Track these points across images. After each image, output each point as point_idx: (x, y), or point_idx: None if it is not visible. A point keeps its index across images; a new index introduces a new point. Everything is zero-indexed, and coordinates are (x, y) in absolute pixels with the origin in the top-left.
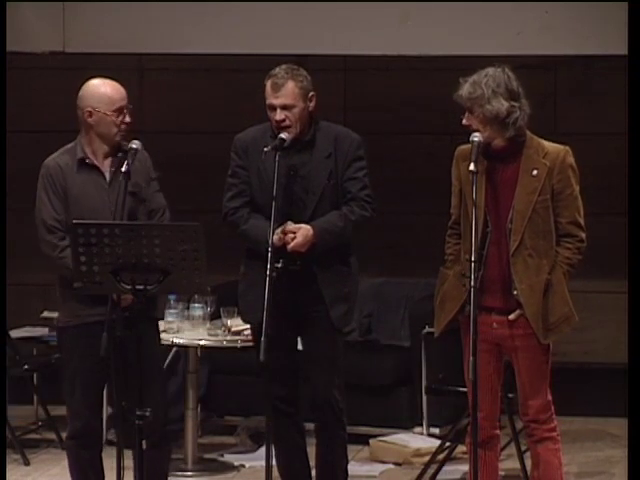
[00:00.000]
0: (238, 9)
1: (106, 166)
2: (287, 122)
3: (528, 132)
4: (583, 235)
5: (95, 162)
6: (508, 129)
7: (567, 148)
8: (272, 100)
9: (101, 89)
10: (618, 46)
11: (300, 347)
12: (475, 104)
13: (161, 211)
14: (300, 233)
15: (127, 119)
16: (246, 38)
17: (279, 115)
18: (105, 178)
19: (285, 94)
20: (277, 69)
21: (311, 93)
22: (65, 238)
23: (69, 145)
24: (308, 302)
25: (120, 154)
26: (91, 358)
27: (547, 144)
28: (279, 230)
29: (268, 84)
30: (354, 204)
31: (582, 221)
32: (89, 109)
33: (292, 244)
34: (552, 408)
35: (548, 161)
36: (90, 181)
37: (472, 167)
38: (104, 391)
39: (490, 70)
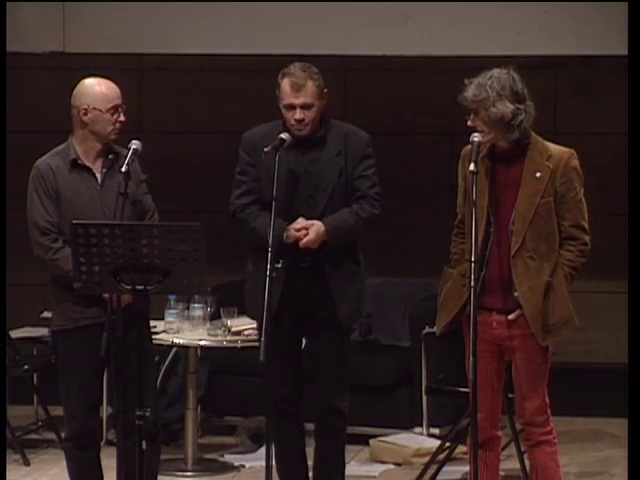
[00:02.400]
0: (238, 9)
1: (97, 167)
2: (306, 121)
3: (533, 134)
4: (587, 238)
5: (87, 163)
6: (513, 131)
7: (572, 151)
8: (292, 100)
9: (97, 87)
10: (618, 46)
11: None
12: (480, 107)
13: (150, 213)
14: (313, 230)
15: (122, 118)
16: (246, 38)
17: (299, 114)
18: (97, 179)
19: (306, 94)
20: (292, 68)
21: (324, 90)
22: (58, 240)
23: (59, 147)
24: (316, 300)
25: (111, 155)
26: (88, 361)
27: (552, 146)
28: (290, 227)
29: (286, 83)
30: (364, 202)
31: (586, 225)
32: (85, 107)
33: (304, 240)
34: (548, 411)
35: (552, 164)
36: (82, 182)
37: (472, 167)
38: (103, 392)
39: (495, 72)
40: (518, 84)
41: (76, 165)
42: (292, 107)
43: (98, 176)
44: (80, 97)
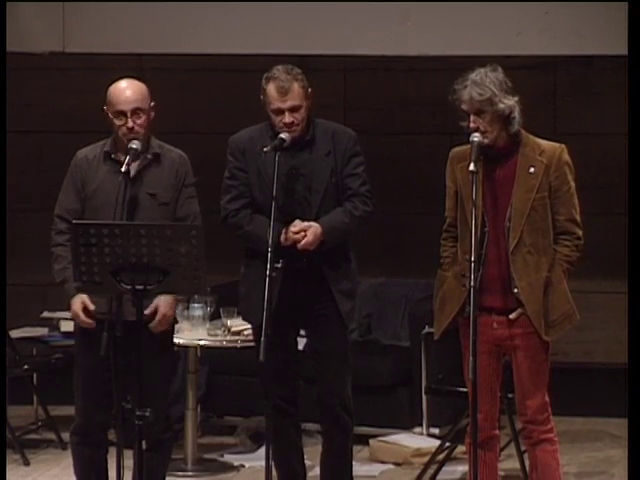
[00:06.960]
0: (238, 9)
1: (132, 165)
2: (296, 122)
3: (523, 131)
4: (580, 232)
5: (120, 158)
6: (513, 124)
7: (563, 146)
8: (279, 104)
9: (115, 89)
10: (618, 46)
11: (300, 347)
12: (486, 105)
13: (190, 219)
14: (310, 232)
15: (129, 124)
16: (246, 38)
17: (288, 118)
18: (128, 175)
19: (292, 96)
20: (276, 71)
21: (309, 90)
22: (61, 232)
23: (106, 140)
24: (316, 299)
25: (150, 155)
26: (92, 356)
27: (543, 142)
28: (288, 229)
29: (272, 88)
30: (356, 200)
31: (579, 218)
32: (104, 106)
33: (303, 242)
34: (549, 409)
35: (545, 159)
36: (110, 176)
37: (472, 167)
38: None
39: (482, 71)
40: (506, 78)
41: (109, 158)
42: (280, 111)
43: (130, 172)
44: (107, 95)
